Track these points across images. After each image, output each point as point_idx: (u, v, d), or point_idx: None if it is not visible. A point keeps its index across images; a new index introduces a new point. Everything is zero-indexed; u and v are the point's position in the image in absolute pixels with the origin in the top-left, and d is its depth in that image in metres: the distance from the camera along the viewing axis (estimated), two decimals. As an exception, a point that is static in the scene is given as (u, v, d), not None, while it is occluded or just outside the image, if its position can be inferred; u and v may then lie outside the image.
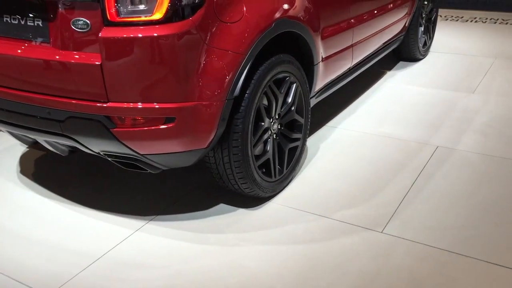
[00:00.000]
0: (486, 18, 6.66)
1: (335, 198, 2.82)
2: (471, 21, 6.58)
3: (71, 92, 2.24)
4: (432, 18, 5.16)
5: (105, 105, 2.20)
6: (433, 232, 2.51)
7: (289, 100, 2.78)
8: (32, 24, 2.28)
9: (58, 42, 2.22)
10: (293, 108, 2.82)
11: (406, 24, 4.52)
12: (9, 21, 2.34)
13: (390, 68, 4.85)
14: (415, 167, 3.09)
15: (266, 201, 2.79)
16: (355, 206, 2.74)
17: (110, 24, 2.09)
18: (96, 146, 2.36)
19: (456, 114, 3.83)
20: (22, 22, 2.31)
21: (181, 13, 2.10)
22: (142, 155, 2.32)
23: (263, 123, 2.60)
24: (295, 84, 2.79)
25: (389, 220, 2.60)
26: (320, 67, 3.06)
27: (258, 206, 2.75)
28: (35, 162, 3.32)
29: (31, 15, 2.27)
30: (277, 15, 2.52)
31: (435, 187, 2.89)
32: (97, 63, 2.13)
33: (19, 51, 2.32)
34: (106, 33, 2.09)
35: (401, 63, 4.99)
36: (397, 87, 4.42)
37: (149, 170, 2.44)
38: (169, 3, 2.07)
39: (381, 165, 3.14)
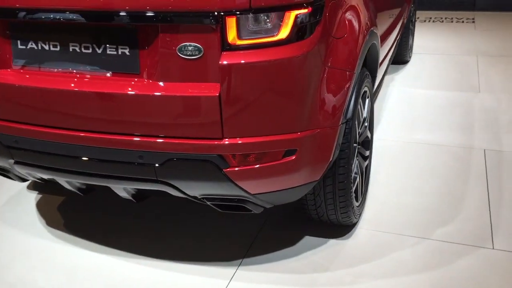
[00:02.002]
0: (441, 18, 6.87)
1: (420, 215, 2.66)
2: (428, 21, 6.76)
3: (172, 130, 1.88)
4: (413, 20, 5.20)
5: (219, 142, 1.87)
6: (538, 241, 2.44)
7: (365, 115, 2.59)
8: (114, 53, 1.89)
9: (155, 73, 1.86)
10: (366, 124, 2.63)
11: (403, 27, 4.51)
12: (78, 51, 1.93)
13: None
14: (478, 174, 3.02)
15: (351, 228, 2.57)
16: (446, 222, 2.59)
17: (231, 48, 1.77)
18: (198, 190, 2.01)
19: (478, 115, 3.83)
20: (99, 51, 1.91)
21: (305, 31, 1.84)
22: (253, 195, 2.02)
23: (355, 144, 2.39)
24: (368, 98, 2.61)
25: (492, 234, 2.48)
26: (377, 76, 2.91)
27: (348, 235, 2.52)
28: (59, 211, 2.83)
29: (113, 42, 1.88)
30: (368, 26, 2.33)
31: (511, 192, 2.83)
32: (213, 94, 1.80)
33: (95, 86, 1.92)
34: (228, 58, 1.77)
35: (391, 66, 4.97)
36: (403, 91, 4.37)
37: (253, 211, 2.13)
38: (294, 20, 1.79)
39: (441, 174, 3.04)
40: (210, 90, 1.81)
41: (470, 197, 2.80)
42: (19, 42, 2.02)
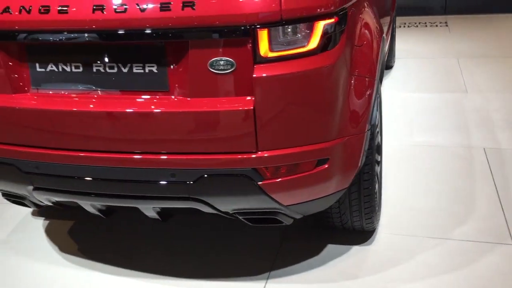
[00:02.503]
0: (415, 23, 7.04)
1: (434, 216, 2.69)
2: (403, 26, 6.91)
3: (206, 146, 1.86)
4: (394, 27, 5.31)
5: (254, 156, 1.86)
6: (553, 233, 2.51)
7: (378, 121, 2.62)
8: (141, 71, 1.87)
9: (185, 89, 1.84)
10: (378, 130, 2.66)
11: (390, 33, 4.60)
12: (103, 71, 1.90)
13: (372, 78, 4.88)
14: (483, 172, 3.09)
15: (371, 233, 2.58)
16: (462, 221, 2.64)
17: (263, 60, 1.76)
18: (231, 205, 1.99)
19: (470, 115, 3.93)
20: (124, 70, 1.88)
21: (333, 41, 1.85)
22: (286, 206, 2.01)
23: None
24: (379, 104, 2.64)
25: (509, 230, 2.54)
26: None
27: (369, 240, 2.53)
28: (70, 236, 2.75)
29: (139, 60, 1.86)
30: (380, 33, 2.37)
31: (518, 188, 2.91)
32: (248, 108, 1.79)
33: (123, 106, 1.88)
34: (261, 71, 1.76)
35: (377, 72, 5.04)
36: (394, 95, 4.45)
37: (284, 223, 2.12)
38: (323, 30, 1.81)
39: (447, 175, 3.09)
40: (244, 103, 1.80)
41: (480, 195, 2.86)
42: (37, 65, 1.97)
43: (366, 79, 2.07)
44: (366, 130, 2.08)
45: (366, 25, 2.20)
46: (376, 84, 2.15)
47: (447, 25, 6.79)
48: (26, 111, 1.97)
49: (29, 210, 2.99)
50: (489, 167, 3.14)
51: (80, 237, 2.74)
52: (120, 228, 2.77)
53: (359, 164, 2.09)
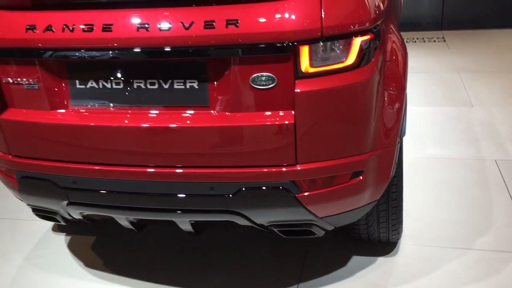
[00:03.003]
0: (413, 38, 7.17)
1: (454, 227, 2.75)
2: (401, 41, 7.03)
3: (245, 160, 1.91)
4: (396, 41, 5.42)
5: (293, 168, 1.90)
6: None
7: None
8: (182, 87, 1.91)
9: (225, 104, 1.88)
10: (399, 143, 2.73)
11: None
12: (143, 87, 1.94)
13: (377, 93, 4.96)
14: (497, 183, 3.15)
15: (394, 245, 2.63)
16: (482, 232, 2.70)
17: (304, 76, 1.82)
18: (268, 217, 2.03)
19: (478, 128, 4.00)
20: (165, 86, 1.92)
21: (368, 56, 1.91)
22: (320, 218, 2.05)
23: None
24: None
25: (530, 240, 2.61)
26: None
27: (393, 251, 2.58)
28: (94, 250, 2.77)
29: (181, 77, 1.90)
30: (404, 47, 2.43)
31: (533, 199, 2.98)
32: (288, 122, 1.84)
33: (163, 121, 1.92)
34: (302, 86, 1.82)
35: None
36: (400, 109, 4.52)
37: (317, 234, 2.16)
38: (360, 46, 1.87)
39: (461, 186, 3.16)
40: (285, 118, 1.85)
41: (497, 206, 2.92)
42: (77, 81, 2.00)
43: (397, 92, 2.13)
44: (397, 142, 2.13)
45: (393, 41, 2.26)
46: (404, 97, 2.21)
47: (444, 40, 6.92)
48: (66, 127, 2.01)
49: (50, 225, 3.00)
50: (503, 178, 3.21)
51: (103, 251, 2.75)
52: (144, 242, 2.79)
53: (390, 176, 2.14)
